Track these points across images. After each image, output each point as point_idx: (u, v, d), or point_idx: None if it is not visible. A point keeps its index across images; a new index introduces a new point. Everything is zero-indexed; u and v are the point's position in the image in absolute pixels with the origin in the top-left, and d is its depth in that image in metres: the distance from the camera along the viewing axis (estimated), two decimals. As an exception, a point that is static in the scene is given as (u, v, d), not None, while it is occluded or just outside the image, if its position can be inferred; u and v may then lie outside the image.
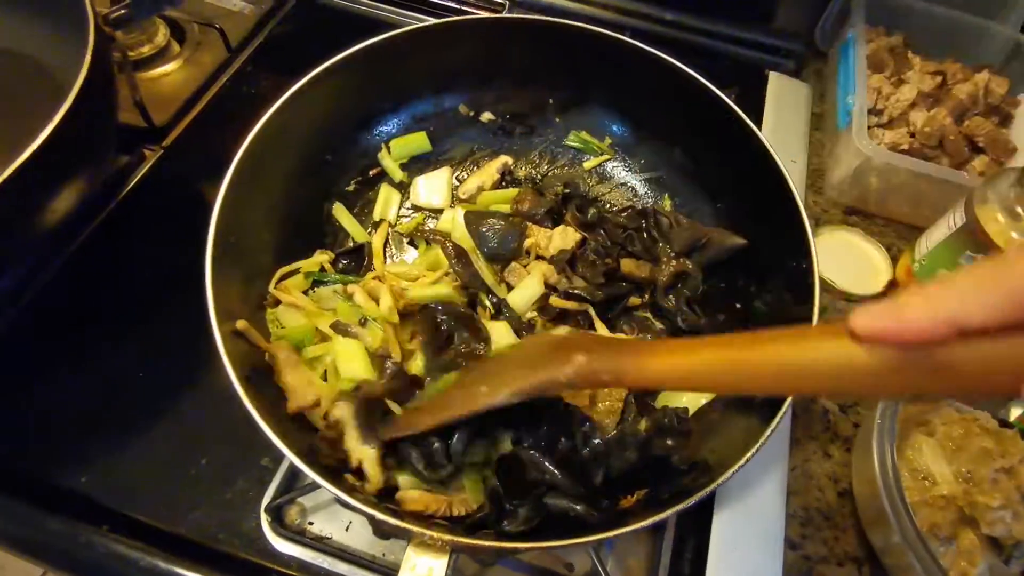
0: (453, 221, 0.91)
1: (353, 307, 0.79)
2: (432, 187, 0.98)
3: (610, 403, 0.74)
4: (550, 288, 0.85)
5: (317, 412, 0.72)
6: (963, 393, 0.43)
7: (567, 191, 0.94)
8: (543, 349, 0.60)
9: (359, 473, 0.68)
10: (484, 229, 0.86)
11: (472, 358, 0.74)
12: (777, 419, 0.64)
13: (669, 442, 0.71)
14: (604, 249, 0.87)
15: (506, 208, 0.93)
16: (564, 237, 0.87)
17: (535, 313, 0.85)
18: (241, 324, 0.71)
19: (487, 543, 0.56)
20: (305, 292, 0.83)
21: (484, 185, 0.97)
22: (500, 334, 0.79)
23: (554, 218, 0.92)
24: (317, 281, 0.84)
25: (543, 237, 0.87)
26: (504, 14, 1.27)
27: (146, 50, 1.14)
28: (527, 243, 0.88)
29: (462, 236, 0.88)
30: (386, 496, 0.68)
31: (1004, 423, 0.81)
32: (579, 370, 0.55)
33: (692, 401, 0.78)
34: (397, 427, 0.68)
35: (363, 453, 0.67)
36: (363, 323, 0.78)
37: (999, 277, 0.35)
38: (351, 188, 0.96)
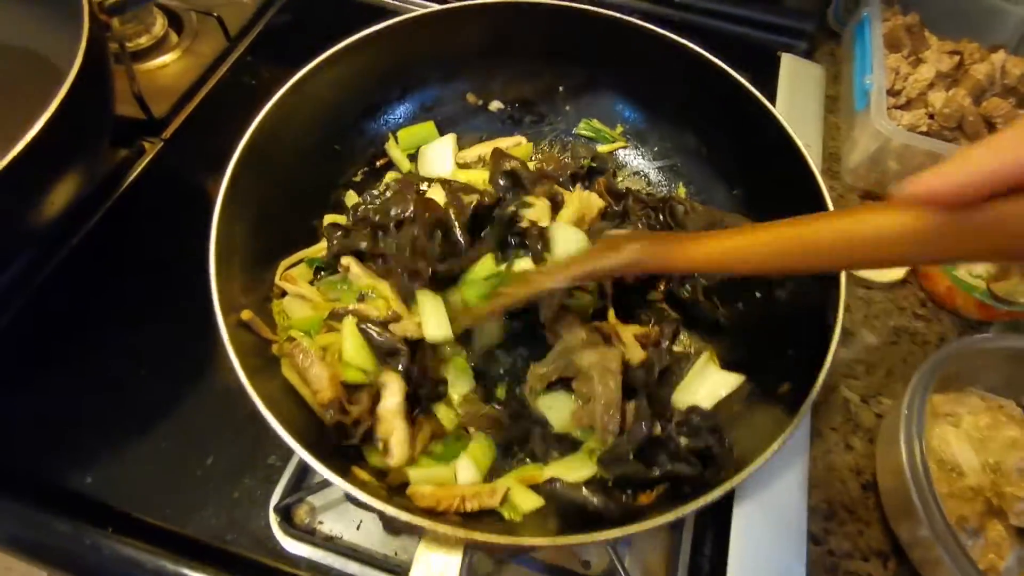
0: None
1: (351, 287, 0.77)
2: (436, 155, 0.94)
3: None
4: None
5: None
6: (1001, 254, 0.47)
7: (594, 164, 0.93)
8: (602, 243, 0.65)
9: (376, 471, 0.66)
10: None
11: None
12: (801, 413, 0.62)
13: (706, 443, 0.68)
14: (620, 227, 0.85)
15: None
16: (587, 202, 0.84)
17: None
18: (247, 315, 0.69)
19: (501, 539, 0.54)
20: (312, 282, 0.81)
21: (485, 156, 0.93)
22: None
23: (578, 184, 0.91)
24: (320, 269, 0.82)
25: (543, 210, 0.81)
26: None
27: (144, 41, 1.12)
28: (523, 223, 0.80)
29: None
30: (397, 492, 0.66)
31: (1031, 411, 0.79)
32: (628, 256, 0.60)
33: (709, 396, 0.76)
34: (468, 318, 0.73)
35: (396, 425, 0.68)
36: (361, 299, 0.76)
37: (1008, 140, 0.38)
38: (358, 178, 0.94)
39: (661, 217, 0.86)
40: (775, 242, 0.53)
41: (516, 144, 0.96)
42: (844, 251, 0.49)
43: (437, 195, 0.81)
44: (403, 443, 0.69)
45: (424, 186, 0.87)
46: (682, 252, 0.58)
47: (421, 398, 0.73)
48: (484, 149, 0.94)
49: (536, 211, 0.79)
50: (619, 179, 0.98)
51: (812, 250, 0.50)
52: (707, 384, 0.77)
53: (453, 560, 0.53)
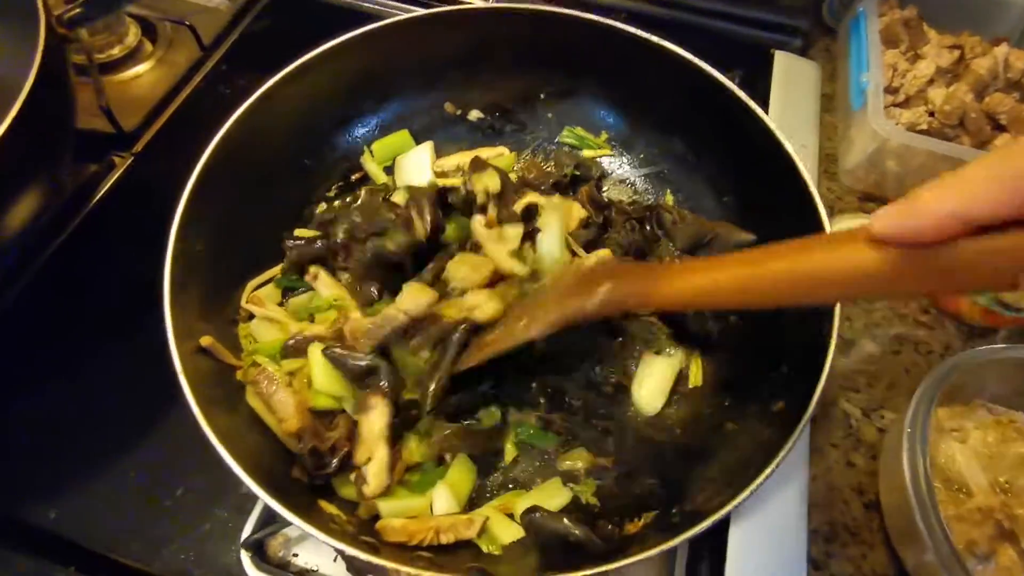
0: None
1: (320, 306, 0.74)
2: (412, 165, 0.91)
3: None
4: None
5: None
6: (968, 289, 0.43)
7: (577, 172, 0.90)
8: (573, 280, 0.64)
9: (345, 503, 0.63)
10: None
11: None
12: (795, 436, 0.58)
13: None
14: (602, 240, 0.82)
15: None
16: (567, 212, 0.81)
17: None
18: (206, 340, 0.66)
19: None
20: (282, 303, 0.78)
21: (464, 165, 0.89)
22: None
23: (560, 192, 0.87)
24: (288, 289, 0.78)
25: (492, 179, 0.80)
26: (490, 3, 1.20)
27: (116, 52, 1.09)
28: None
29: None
30: (366, 526, 0.62)
31: (1043, 424, 0.75)
32: (605, 298, 0.58)
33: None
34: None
35: (378, 451, 0.65)
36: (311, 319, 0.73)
37: (1004, 170, 0.35)
38: (332, 193, 0.91)
39: (648, 227, 0.82)
40: (750, 280, 0.51)
41: (498, 155, 0.93)
42: (808, 290, 0.48)
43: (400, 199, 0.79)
44: (383, 471, 0.65)
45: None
46: (657, 292, 0.56)
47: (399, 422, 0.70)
48: (463, 158, 0.90)
49: (485, 180, 0.77)
50: (605, 187, 0.94)
51: (787, 289, 0.49)
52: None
53: (418, 603, 0.50)
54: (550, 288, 0.69)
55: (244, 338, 0.73)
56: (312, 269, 0.76)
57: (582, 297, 0.60)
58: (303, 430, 0.67)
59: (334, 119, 0.91)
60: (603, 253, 0.78)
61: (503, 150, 0.94)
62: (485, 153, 0.91)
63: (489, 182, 0.77)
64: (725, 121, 0.80)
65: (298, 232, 0.83)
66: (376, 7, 1.22)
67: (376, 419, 0.67)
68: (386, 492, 0.66)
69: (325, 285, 0.75)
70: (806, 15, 1.21)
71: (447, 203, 0.81)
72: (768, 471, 0.59)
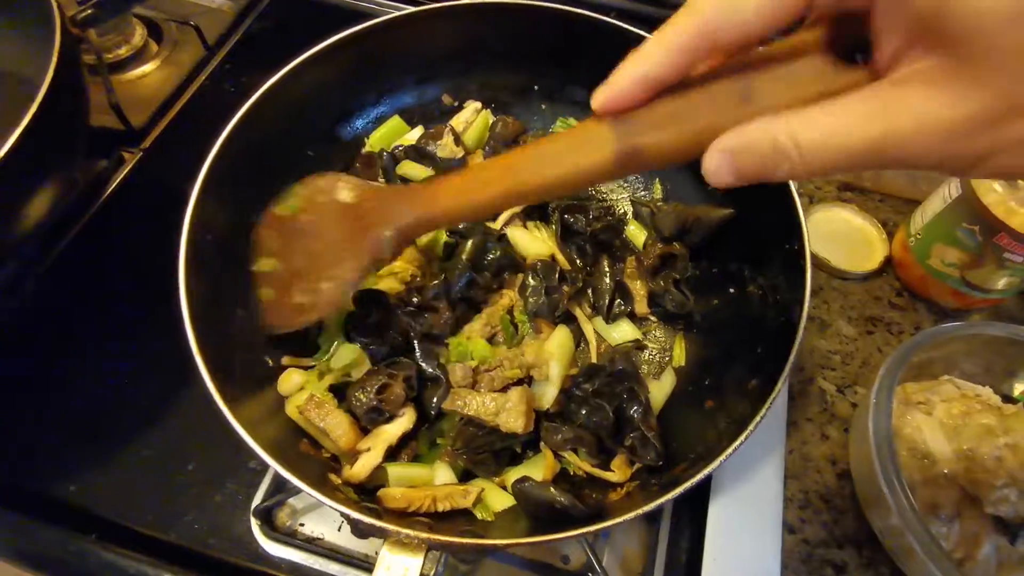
0: None
1: None
2: None
3: (511, 406, 0.71)
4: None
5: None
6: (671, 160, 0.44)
7: None
8: (341, 230, 0.60)
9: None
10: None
11: None
12: (763, 409, 0.63)
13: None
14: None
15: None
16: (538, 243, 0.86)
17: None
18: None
19: (465, 540, 0.55)
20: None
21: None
22: None
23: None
24: None
25: None
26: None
27: (123, 51, 1.13)
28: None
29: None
30: (368, 494, 0.67)
31: (1008, 398, 0.79)
32: (394, 243, 0.57)
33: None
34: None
35: (377, 450, 0.70)
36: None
37: (683, 19, 0.38)
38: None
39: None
40: (511, 195, 0.52)
41: (475, 111, 0.98)
42: (561, 190, 0.51)
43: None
44: (369, 467, 0.69)
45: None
46: (432, 211, 0.55)
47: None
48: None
49: None
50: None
51: (544, 193, 0.53)
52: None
53: (415, 562, 0.54)
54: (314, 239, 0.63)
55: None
56: None
57: (366, 249, 0.58)
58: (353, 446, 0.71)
59: (335, 112, 0.94)
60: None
61: (477, 104, 0.99)
62: (465, 116, 0.97)
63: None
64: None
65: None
66: (375, 6, 1.26)
67: (395, 427, 0.72)
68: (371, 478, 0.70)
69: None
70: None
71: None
72: (738, 442, 0.62)
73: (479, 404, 0.69)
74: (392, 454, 0.72)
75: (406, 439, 0.73)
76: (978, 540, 0.71)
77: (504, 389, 0.73)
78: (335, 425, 0.70)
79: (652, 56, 0.40)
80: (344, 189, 0.62)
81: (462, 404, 0.70)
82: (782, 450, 0.79)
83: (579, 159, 0.46)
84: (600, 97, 0.42)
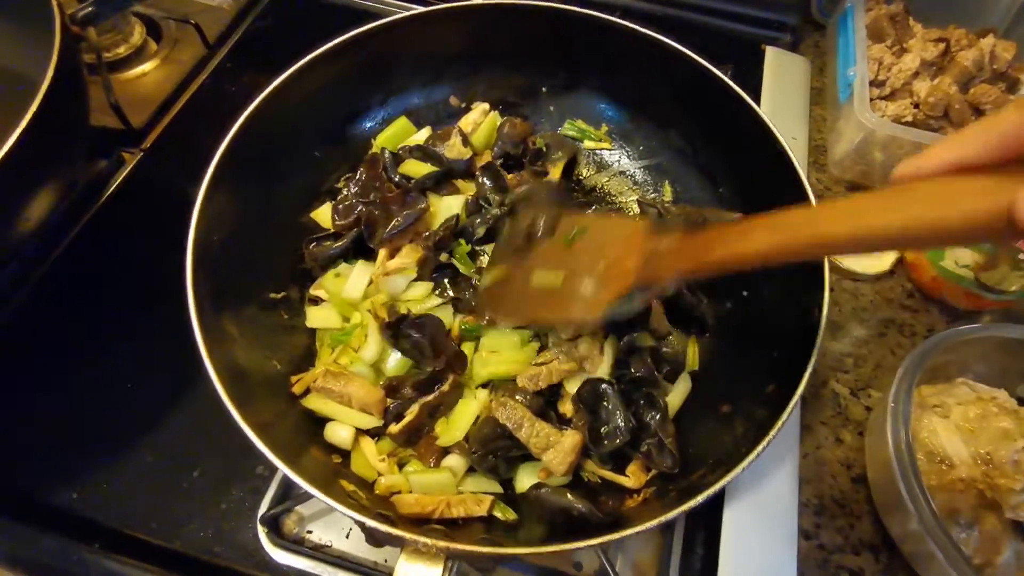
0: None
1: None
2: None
3: (563, 451, 0.69)
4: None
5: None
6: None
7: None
8: (614, 260, 0.65)
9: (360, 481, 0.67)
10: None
11: None
12: (785, 415, 0.62)
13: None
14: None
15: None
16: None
17: None
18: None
19: (484, 549, 0.54)
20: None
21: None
22: None
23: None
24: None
25: None
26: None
27: (122, 50, 1.11)
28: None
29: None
30: (381, 501, 0.65)
31: (1023, 401, 0.79)
32: (679, 277, 0.64)
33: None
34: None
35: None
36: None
37: (991, 124, 0.43)
38: (340, 184, 0.93)
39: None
40: (784, 251, 0.55)
41: (483, 112, 0.97)
42: (831, 249, 0.57)
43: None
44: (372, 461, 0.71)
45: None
46: (711, 260, 0.58)
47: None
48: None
49: None
50: (604, 178, 0.98)
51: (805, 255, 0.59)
52: None
53: (434, 572, 0.53)
54: (600, 267, 0.67)
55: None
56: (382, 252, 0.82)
57: (646, 279, 0.62)
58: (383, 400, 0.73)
59: (342, 113, 0.93)
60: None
61: (485, 106, 0.98)
62: (473, 117, 0.96)
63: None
64: (720, 114, 0.84)
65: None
66: (376, 5, 1.25)
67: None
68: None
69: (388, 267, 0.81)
70: (795, 11, 1.25)
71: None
72: (760, 448, 0.61)
73: (530, 431, 0.69)
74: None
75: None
76: (998, 546, 0.70)
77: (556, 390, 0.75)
78: (357, 387, 0.71)
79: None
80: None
81: (514, 425, 0.69)
82: (796, 454, 0.78)
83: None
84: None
